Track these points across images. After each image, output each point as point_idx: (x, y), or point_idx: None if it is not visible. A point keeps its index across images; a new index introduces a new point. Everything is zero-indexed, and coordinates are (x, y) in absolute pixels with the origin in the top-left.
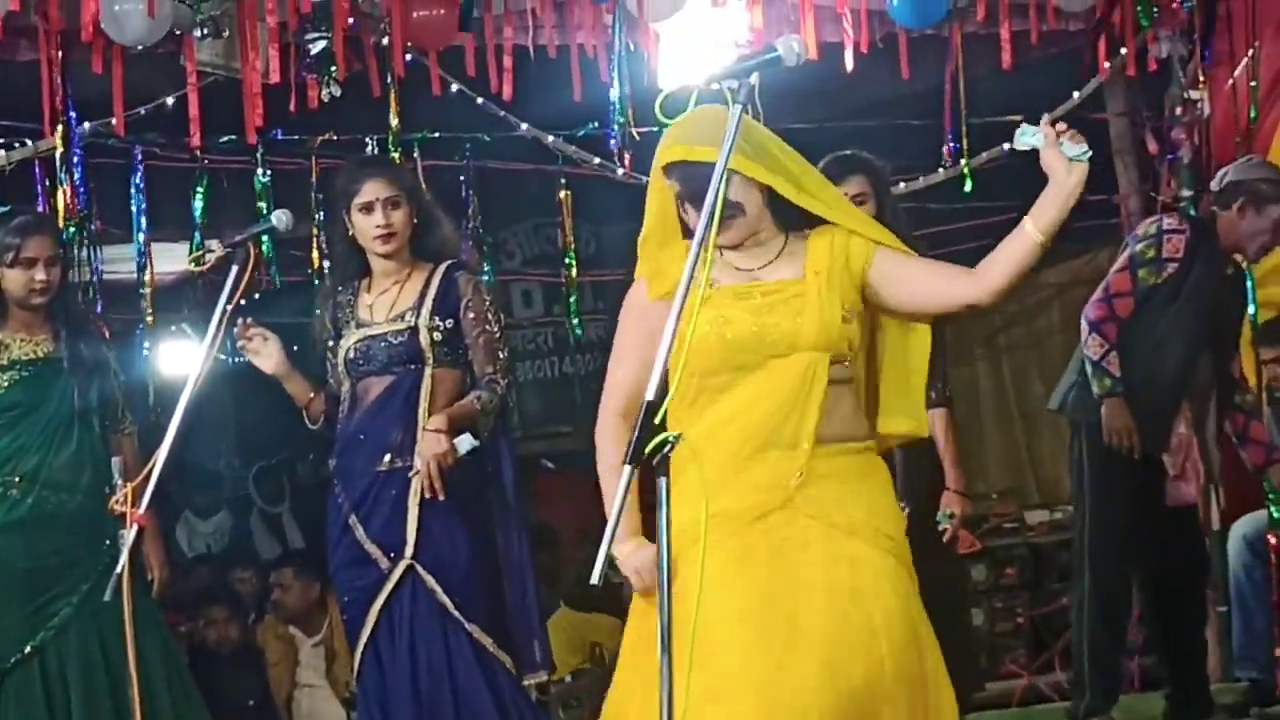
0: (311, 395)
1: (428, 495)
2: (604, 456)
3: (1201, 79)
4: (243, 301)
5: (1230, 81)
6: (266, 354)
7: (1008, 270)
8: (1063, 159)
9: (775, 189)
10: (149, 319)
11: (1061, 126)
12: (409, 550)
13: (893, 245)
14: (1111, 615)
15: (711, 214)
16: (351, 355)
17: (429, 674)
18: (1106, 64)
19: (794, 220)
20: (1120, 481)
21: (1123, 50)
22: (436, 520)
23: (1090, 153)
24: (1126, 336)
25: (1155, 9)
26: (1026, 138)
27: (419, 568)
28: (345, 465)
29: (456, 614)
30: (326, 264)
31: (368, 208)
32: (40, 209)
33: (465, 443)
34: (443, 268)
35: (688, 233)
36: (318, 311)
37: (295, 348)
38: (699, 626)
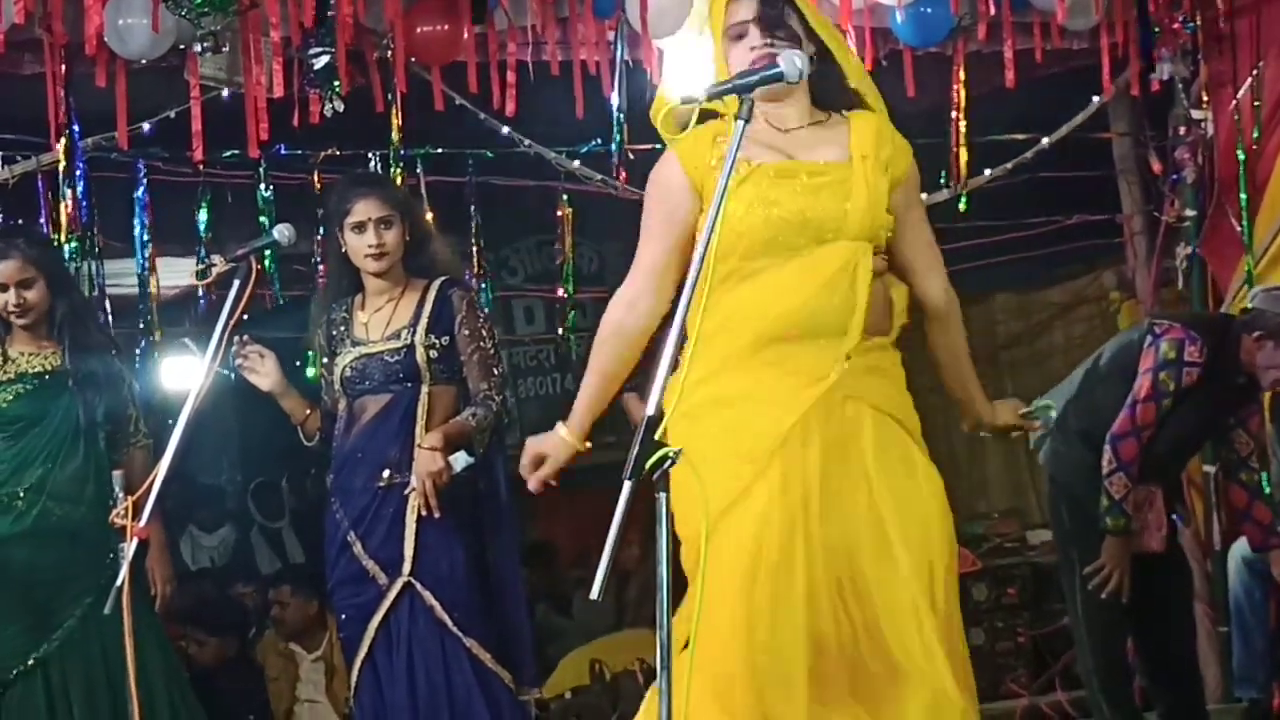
0: (308, 412)
1: (424, 513)
2: (605, 327)
3: (1205, 99)
4: (244, 317)
5: (1234, 102)
6: (264, 371)
7: (944, 358)
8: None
9: (833, 54)
10: (157, 334)
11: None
12: (407, 567)
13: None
14: (1119, 670)
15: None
16: (348, 374)
17: (427, 689)
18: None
19: (828, 100)
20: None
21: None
22: (434, 537)
23: None
24: None
25: (1157, 29)
26: None
27: (417, 584)
28: (343, 483)
29: (455, 629)
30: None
31: (360, 227)
32: (19, 224)
33: (461, 460)
34: (437, 284)
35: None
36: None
37: (297, 363)
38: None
